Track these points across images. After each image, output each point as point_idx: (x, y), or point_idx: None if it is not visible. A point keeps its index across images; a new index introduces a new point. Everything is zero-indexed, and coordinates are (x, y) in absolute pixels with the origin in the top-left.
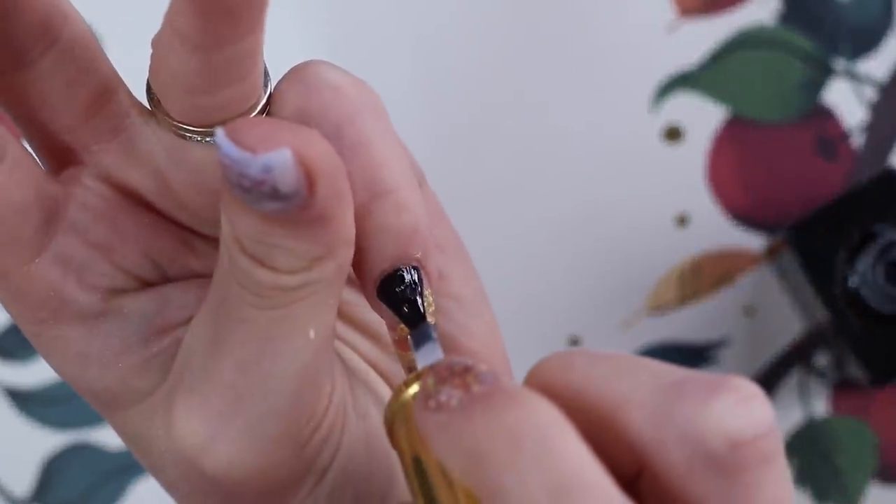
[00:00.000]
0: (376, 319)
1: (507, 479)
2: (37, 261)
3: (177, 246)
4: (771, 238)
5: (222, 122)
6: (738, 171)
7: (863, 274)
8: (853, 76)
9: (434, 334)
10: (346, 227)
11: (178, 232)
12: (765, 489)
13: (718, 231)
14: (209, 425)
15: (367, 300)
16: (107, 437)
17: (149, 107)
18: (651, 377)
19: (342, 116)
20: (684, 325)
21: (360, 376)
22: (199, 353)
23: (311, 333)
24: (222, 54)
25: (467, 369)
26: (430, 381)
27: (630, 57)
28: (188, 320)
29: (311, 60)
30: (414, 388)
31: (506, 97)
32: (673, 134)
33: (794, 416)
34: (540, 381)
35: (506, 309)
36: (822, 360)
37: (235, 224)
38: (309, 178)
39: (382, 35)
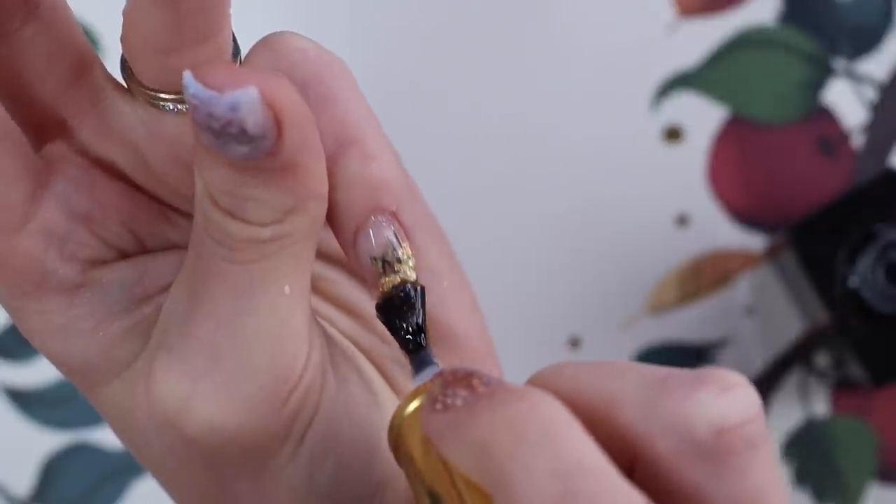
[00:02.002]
0: (356, 296)
1: (513, 467)
2: (21, 232)
3: (155, 218)
4: (771, 238)
5: None
6: (739, 171)
7: (863, 274)
8: (853, 76)
9: (434, 359)
10: (318, 179)
11: (156, 205)
12: (753, 473)
13: (718, 231)
14: (187, 383)
15: (346, 255)
16: (107, 438)
17: (124, 82)
18: (636, 376)
19: (308, 74)
20: (684, 325)
21: (341, 348)
22: (178, 313)
23: (287, 289)
24: (190, 4)
25: (471, 373)
26: (437, 385)
27: (630, 57)
28: (168, 287)
29: (280, 31)
30: (414, 404)
31: (506, 97)
32: (673, 134)
33: (794, 416)
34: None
35: (506, 309)
36: (822, 360)
37: (207, 177)
38: (277, 121)
39: (377, 32)
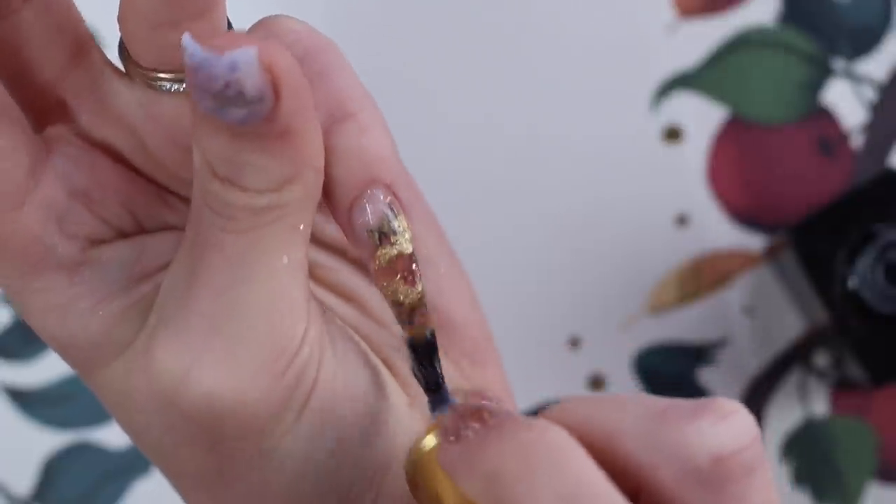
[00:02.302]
0: (355, 283)
1: (520, 493)
2: (22, 208)
3: (153, 200)
4: (771, 238)
5: None
6: (738, 171)
7: (862, 274)
8: (852, 76)
9: (451, 398)
10: (314, 149)
11: (154, 188)
12: (751, 497)
13: (718, 231)
14: (186, 355)
15: (342, 229)
16: (108, 437)
17: (122, 66)
18: (639, 408)
19: (302, 52)
20: (684, 325)
21: (340, 329)
22: (177, 288)
23: (284, 259)
24: None
25: (482, 408)
26: (450, 419)
27: (630, 57)
28: (166, 266)
29: (276, 14)
30: (430, 440)
31: (505, 97)
32: (673, 134)
33: (793, 416)
34: None
35: (506, 309)
36: (821, 360)
37: (205, 145)
38: (274, 83)
39: (377, 32)
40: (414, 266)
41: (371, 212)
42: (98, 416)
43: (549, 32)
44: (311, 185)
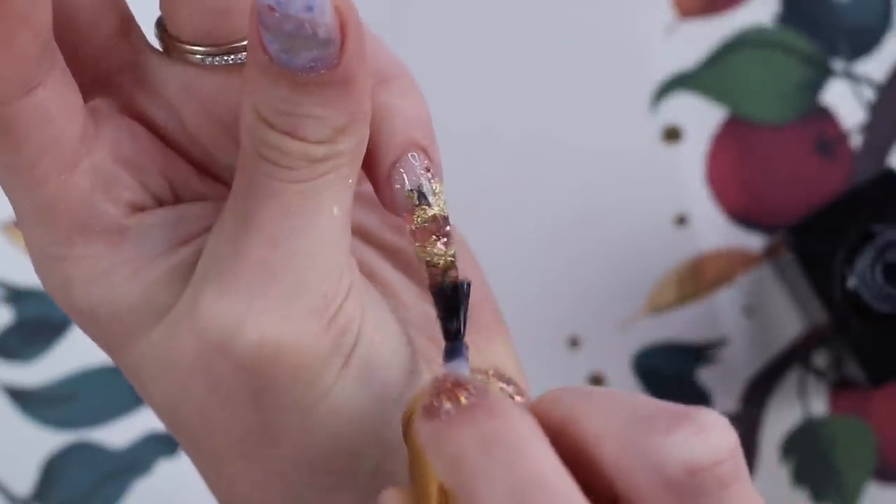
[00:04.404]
0: (389, 239)
1: (476, 480)
2: (75, 170)
3: (189, 174)
4: (770, 238)
5: (231, 35)
6: (738, 171)
7: (861, 274)
8: (852, 77)
9: (466, 353)
10: (366, 97)
11: (188, 165)
12: None
13: (718, 231)
14: (239, 303)
15: (377, 186)
16: (108, 437)
17: (159, 47)
18: (627, 411)
19: None
20: (684, 325)
21: (378, 301)
22: (226, 241)
23: (335, 210)
24: None
25: (461, 384)
26: (429, 392)
27: (629, 58)
28: (206, 230)
29: None
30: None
31: (505, 98)
32: (672, 134)
33: (792, 416)
34: (534, 414)
35: (505, 309)
36: (820, 359)
37: (263, 97)
38: (342, 27)
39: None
40: (448, 228)
41: (410, 173)
42: (98, 416)
43: (548, 33)
44: (361, 135)
